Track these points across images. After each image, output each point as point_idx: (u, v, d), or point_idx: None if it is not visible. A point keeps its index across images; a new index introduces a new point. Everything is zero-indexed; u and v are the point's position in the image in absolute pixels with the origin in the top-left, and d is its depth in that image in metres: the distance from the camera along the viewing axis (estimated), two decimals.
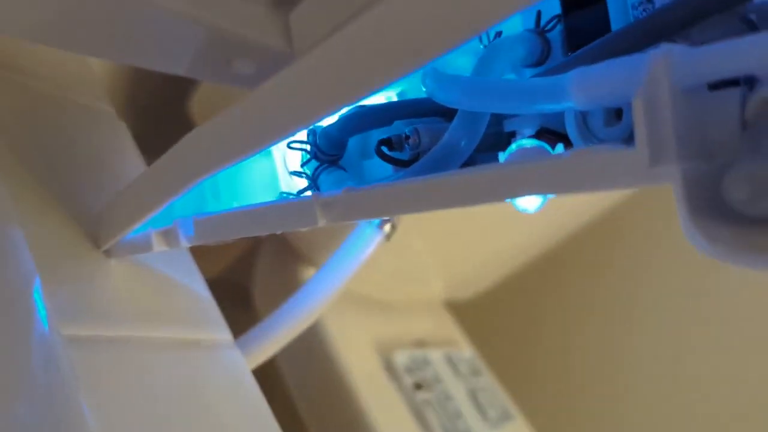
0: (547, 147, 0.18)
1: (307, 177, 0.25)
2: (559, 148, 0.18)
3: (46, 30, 0.26)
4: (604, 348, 0.92)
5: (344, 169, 0.25)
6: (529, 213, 0.18)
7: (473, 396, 0.70)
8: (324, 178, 0.25)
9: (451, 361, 0.71)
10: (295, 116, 0.19)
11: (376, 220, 0.36)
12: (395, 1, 0.16)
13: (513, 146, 0.18)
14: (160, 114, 0.57)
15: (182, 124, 0.54)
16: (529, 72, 0.24)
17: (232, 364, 0.31)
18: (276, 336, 0.37)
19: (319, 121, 0.21)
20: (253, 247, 0.64)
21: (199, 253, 0.64)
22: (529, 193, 0.16)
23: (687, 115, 0.15)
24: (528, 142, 0.18)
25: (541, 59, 0.23)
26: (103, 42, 0.28)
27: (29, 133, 0.30)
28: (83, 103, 0.35)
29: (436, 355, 0.69)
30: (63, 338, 0.20)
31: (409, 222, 0.63)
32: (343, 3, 0.27)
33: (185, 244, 0.25)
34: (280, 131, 0.20)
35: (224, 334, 0.32)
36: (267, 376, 0.56)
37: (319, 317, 0.56)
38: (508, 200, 0.16)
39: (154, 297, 0.29)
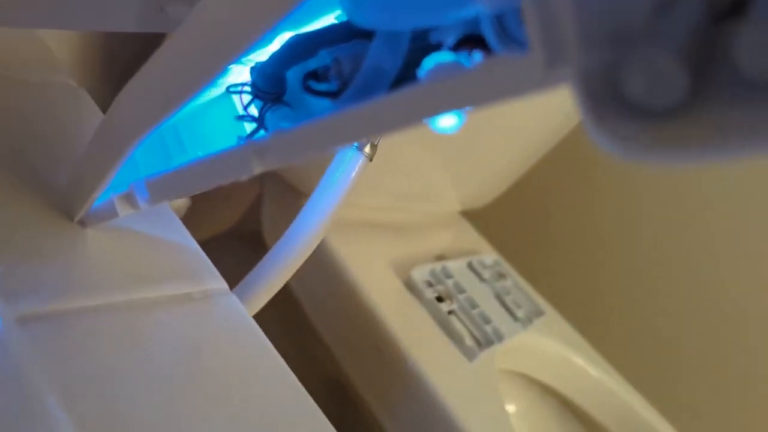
0: (464, 60, 0.17)
1: (254, 119, 0.25)
2: (477, 57, 0.17)
3: None
4: (617, 227, 0.92)
5: (289, 105, 0.25)
6: (447, 133, 0.17)
7: (500, 299, 0.71)
8: (270, 117, 0.25)
9: (473, 269, 0.72)
10: (217, 50, 0.18)
11: (354, 143, 0.36)
12: None
13: (428, 62, 0.17)
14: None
15: None
16: None
17: (229, 310, 0.31)
18: (273, 275, 0.37)
19: (242, 50, 0.20)
20: (259, 194, 0.64)
21: (212, 207, 0.65)
22: (444, 112, 0.15)
23: (587, 4, 0.14)
24: (444, 56, 0.17)
25: None
26: (30, 10, 0.27)
27: None
28: (38, 80, 0.35)
29: (457, 266, 0.69)
30: (23, 320, 0.21)
31: (415, 143, 0.62)
32: None
33: (144, 206, 0.25)
34: (208, 70, 0.19)
35: (216, 282, 0.32)
36: (289, 311, 0.58)
37: (332, 248, 0.57)
38: (425, 121, 0.16)
39: (137, 259, 0.29)
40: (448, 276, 0.66)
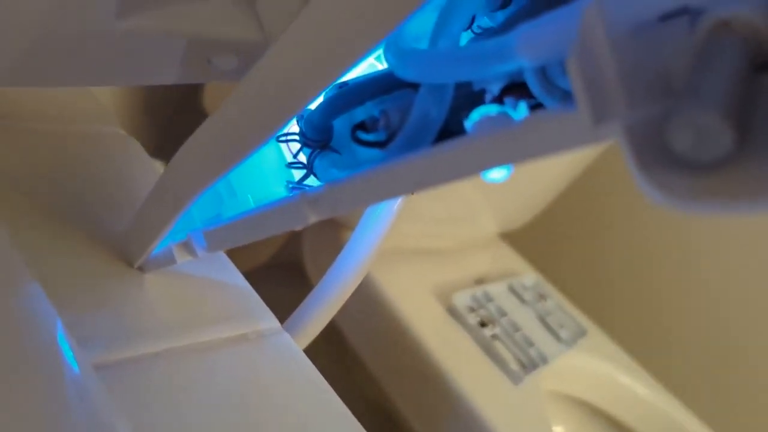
0: (510, 110, 0.18)
1: (303, 166, 0.26)
2: (522, 107, 0.18)
3: (22, 74, 0.27)
4: (659, 242, 0.90)
5: (337, 151, 0.26)
6: (498, 183, 0.17)
7: (543, 320, 0.71)
8: (319, 163, 0.26)
9: (514, 291, 0.72)
10: (279, 107, 0.19)
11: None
12: None
13: (475, 115, 0.18)
14: (173, 116, 0.59)
15: (198, 121, 0.56)
16: (500, 15, 0.23)
17: (283, 349, 0.32)
18: (322, 308, 0.38)
19: (302, 108, 0.21)
20: None
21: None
22: (492, 167, 0.16)
23: (636, 57, 0.14)
24: (490, 109, 0.18)
25: (505, 1, 0.23)
26: (80, 72, 0.29)
27: (43, 175, 0.32)
28: (91, 132, 0.36)
29: (497, 289, 0.69)
30: (95, 369, 0.22)
31: None
32: None
33: (201, 254, 0.26)
34: (269, 127, 0.20)
35: (270, 321, 0.33)
36: (335, 343, 0.59)
37: (374, 278, 0.58)
38: (474, 176, 0.16)
39: (193, 302, 0.30)
40: (490, 300, 0.66)
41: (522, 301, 0.71)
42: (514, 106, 0.18)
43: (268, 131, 0.20)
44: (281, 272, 0.70)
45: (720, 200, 0.13)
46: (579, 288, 0.86)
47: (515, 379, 0.58)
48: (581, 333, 0.75)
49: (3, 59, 0.27)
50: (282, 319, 0.36)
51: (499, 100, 0.19)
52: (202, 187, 0.23)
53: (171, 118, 0.58)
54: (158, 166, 0.44)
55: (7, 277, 0.20)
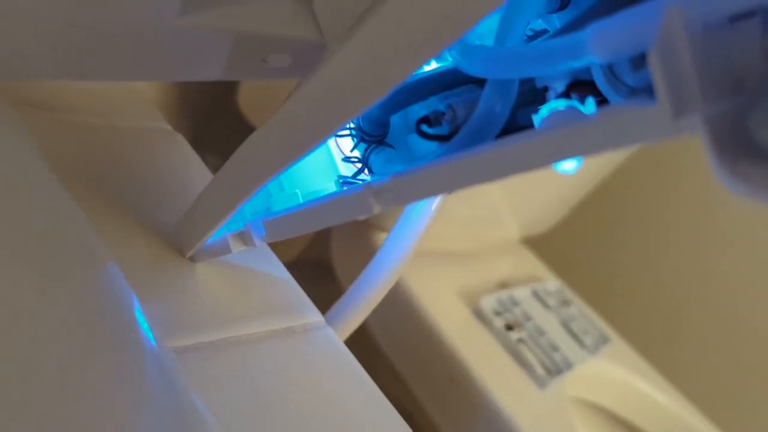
0: (577, 104, 0.19)
1: (359, 160, 0.27)
2: (590, 102, 0.18)
3: (77, 67, 0.28)
4: (681, 249, 0.90)
5: (392, 146, 0.26)
6: (569, 174, 0.18)
7: (566, 326, 0.71)
8: (374, 158, 0.26)
9: (538, 296, 0.72)
10: (347, 106, 0.20)
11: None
12: None
13: (544, 110, 0.19)
14: (210, 111, 0.60)
15: (232, 117, 0.57)
16: (556, 18, 0.24)
17: (327, 343, 0.33)
18: (359, 306, 0.39)
19: (371, 105, 0.21)
20: None
21: None
22: (564, 159, 0.16)
23: (708, 56, 0.15)
24: (559, 104, 0.18)
25: (564, 2, 0.23)
26: (136, 68, 0.30)
27: (97, 166, 0.32)
28: (139, 126, 0.37)
29: (522, 293, 0.70)
30: (171, 352, 0.23)
31: None
32: None
33: (259, 243, 0.26)
34: (335, 123, 0.20)
35: (314, 315, 0.34)
36: (363, 344, 0.59)
37: (401, 279, 0.58)
38: (544, 168, 0.17)
39: (242, 293, 0.31)
40: (515, 304, 0.66)
41: (546, 306, 0.71)
42: (581, 102, 0.19)
43: (335, 127, 0.20)
44: (308, 270, 0.71)
45: None
46: (598, 295, 0.86)
47: (541, 383, 0.58)
48: (604, 340, 0.75)
49: (61, 53, 0.28)
50: None
51: (565, 96, 0.19)
52: (265, 179, 0.23)
53: (206, 112, 0.59)
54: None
55: (90, 256, 0.21)
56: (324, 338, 0.33)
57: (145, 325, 0.21)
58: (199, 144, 0.46)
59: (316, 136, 0.21)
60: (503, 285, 0.71)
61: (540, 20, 0.24)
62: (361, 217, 0.22)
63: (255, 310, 0.31)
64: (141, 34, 0.29)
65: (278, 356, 0.29)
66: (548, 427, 0.56)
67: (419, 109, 0.24)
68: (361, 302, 0.40)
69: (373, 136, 0.26)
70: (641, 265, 0.94)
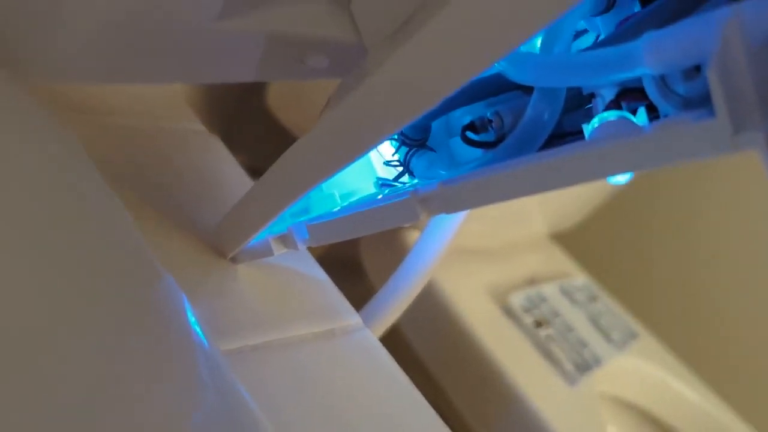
0: (629, 115, 0.19)
1: (400, 164, 0.27)
2: (641, 113, 0.18)
3: (119, 70, 0.29)
4: (710, 245, 0.89)
5: (433, 150, 0.27)
6: (620, 183, 0.18)
7: (594, 322, 0.71)
8: (416, 162, 0.26)
9: (566, 292, 0.72)
10: (396, 116, 0.20)
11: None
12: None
13: (595, 121, 0.19)
14: (239, 109, 0.60)
15: (261, 115, 0.57)
16: (600, 21, 0.24)
17: (366, 344, 0.33)
18: (392, 305, 0.39)
19: (424, 112, 0.21)
20: None
21: None
22: (617, 173, 0.16)
23: (764, 70, 0.15)
24: (610, 115, 0.18)
25: (609, 5, 0.23)
26: (176, 70, 0.30)
27: (138, 168, 0.33)
28: (178, 128, 0.38)
29: (550, 290, 0.69)
30: (223, 354, 0.23)
31: None
32: None
33: (302, 246, 0.27)
34: (384, 131, 0.21)
35: (353, 318, 0.34)
36: (393, 342, 0.60)
37: (431, 278, 0.59)
38: (597, 180, 0.17)
39: (282, 295, 0.32)
40: (543, 300, 0.66)
41: (573, 302, 0.71)
42: (630, 111, 0.19)
43: (387, 133, 0.21)
44: (336, 267, 0.71)
45: None
46: (627, 290, 0.86)
47: (571, 380, 0.58)
48: (632, 336, 0.74)
49: (103, 58, 0.29)
50: None
51: (615, 105, 0.20)
52: (311, 186, 0.24)
53: (234, 110, 0.60)
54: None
55: (146, 268, 0.21)
56: (363, 340, 0.33)
57: (199, 330, 0.22)
58: (228, 143, 0.46)
59: (363, 145, 0.21)
60: (531, 281, 0.71)
61: (582, 21, 0.24)
62: (407, 224, 0.22)
63: (296, 313, 0.31)
64: (182, 36, 0.29)
65: (320, 359, 0.30)
66: (578, 424, 0.56)
67: (461, 115, 0.25)
68: (395, 302, 0.40)
69: (415, 140, 0.26)
70: (670, 259, 0.93)
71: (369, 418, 0.28)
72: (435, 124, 0.26)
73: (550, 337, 0.61)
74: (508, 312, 0.61)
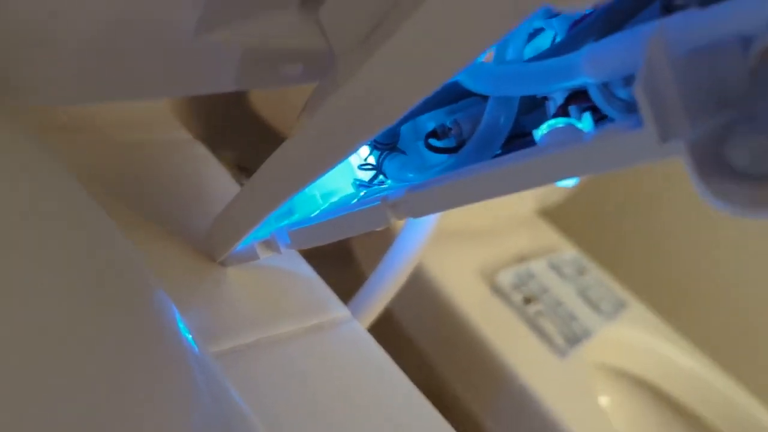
0: (575, 121, 0.20)
1: (373, 167, 0.28)
2: (587, 119, 0.20)
3: (100, 91, 0.30)
4: (692, 213, 0.91)
5: (404, 152, 0.28)
6: (567, 187, 0.19)
7: (583, 294, 0.73)
8: (388, 165, 0.28)
9: (554, 267, 0.73)
10: (368, 125, 0.21)
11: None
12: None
13: (544, 127, 0.20)
14: (222, 107, 0.61)
15: (244, 112, 0.58)
16: (555, 22, 0.25)
17: (354, 335, 0.35)
18: (381, 293, 0.41)
19: (398, 118, 0.22)
20: None
21: None
22: (563, 179, 0.18)
23: (693, 78, 0.16)
24: (558, 122, 0.20)
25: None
26: (156, 86, 0.31)
27: (123, 182, 0.34)
28: (159, 138, 0.39)
29: (539, 266, 0.71)
30: (212, 356, 0.25)
31: None
32: None
33: (284, 250, 0.28)
34: (364, 136, 0.22)
35: (340, 310, 0.36)
36: (386, 325, 0.61)
37: (420, 262, 0.60)
38: (544, 186, 0.18)
39: (271, 294, 0.33)
40: (532, 276, 0.68)
41: (562, 276, 0.73)
42: (579, 116, 0.20)
43: (362, 140, 0.22)
44: (328, 252, 0.73)
45: None
46: (616, 261, 0.87)
47: (561, 353, 0.60)
48: (622, 305, 0.76)
49: (86, 81, 0.30)
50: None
51: (563, 108, 0.21)
52: (294, 191, 0.25)
53: (217, 109, 0.61)
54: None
55: (139, 280, 0.23)
56: (351, 331, 0.35)
57: (190, 338, 0.23)
58: (213, 141, 0.47)
59: (340, 153, 0.23)
60: (521, 258, 0.73)
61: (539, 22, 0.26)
62: (379, 228, 0.24)
63: (284, 310, 0.33)
64: (160, 55, 0.30)
65: (309, 353, 0.31)
66: (570, 395, 0.58)
67: (426, 120, 0.26)
68: (382, 291, 0.42)
69: (386, 144, 0.27)
70: (658, 227, 0.95)
71: (359, 409, 0.29)
72: (404, 129, 0.28)
73: (539, 312, 0.63)
74: (497, 290, 0.63)
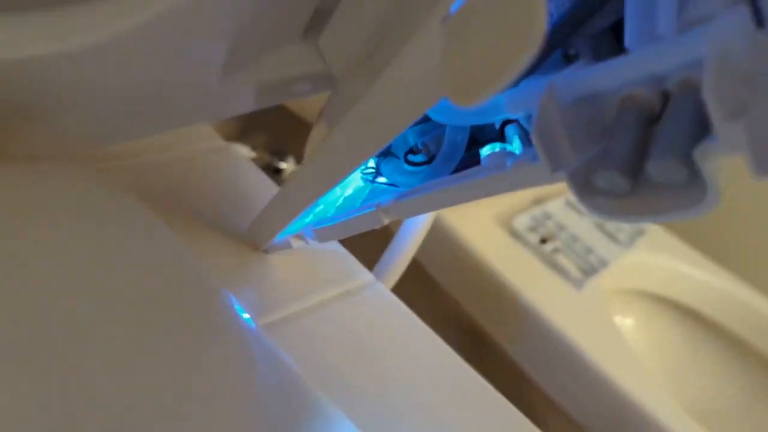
0: (509, 146, 0.26)
1: (374, 169, 0.35)
2: (516, 142, 0.26)
3: (143, 128, 0.37)
4: None
5: (396, 156, 0.35)
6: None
7: (600, 227, 0.78)
8: (384, 167, 0.35)
9: (571, 204, 0.79)
10: (374, 141, 0.28)
11: None
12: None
13: (486, 149, 0.26)
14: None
15: (274, 108, 0.65)
16: None
17: (379, 296, 0.43)
18: (401, 255, 0.48)
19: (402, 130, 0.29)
20: None
21: None
22: (493, 195, 0.25)
23: (577, 118, 0.22)
24: (495, 146, 0.26)
25: None
26: (189, 118, 0.39)
27: (180, 194, 0.42)
28: (198, 150, 0.47)
29: (555, 205, 0.77)
30: (264, 329, 0.33)
31: None
32: (353, 28, 0.34)
33: (311, 242, 0.36)
34: (371, 151, 0.29)
35: (365, 276, 0.43)
36: (416, 276, 0.69)
37: (440, 216, 0.67)
38: (482, 199, 0.25)
39: (306, 271, 0.41)
40: (548, 217, 0.74)
41: (579, 212, 0.79)
42: (512, 139, 0.27)
43: (371, 153, 0.29)
44: None
45: (627, 215, 0.21)
46: None
47: (578, 284, 0.67)
48: (640, 233, 0.82)
49: (126, 125, 0.37)
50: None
51: (501, 129, 0.27)
52: (319, 196, 0.32)
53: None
54: (245, 150, 0.54)
55: (204, 284, 0.31)
56: (376, 293, 0.43)
57: (247, 317, 0.31)
58: (247, 128, 0.55)
59: (358, 160, 0.30)
60: (538, 201, 0.79)
61: None
62: (377, 227, 0.31)
63: (318, 283, 0.41)
64: (193, 98, 0.37)
65: (341, 315, 0.39)
66: (587, 323, 0.65)
67: (409, 133, 0.32)
68: (404, 250, 0.49)
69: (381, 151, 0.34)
70: None
71: (389, 356, 0.38)
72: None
73: (555, 249, 0.70)
74: (515, 234, 0.70)
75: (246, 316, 0.32)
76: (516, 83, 0.26)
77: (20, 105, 0.31)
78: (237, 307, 0.32)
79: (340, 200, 0.38)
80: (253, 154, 0.60)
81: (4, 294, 0.24)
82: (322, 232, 0.35)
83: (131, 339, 0.26)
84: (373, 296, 0.42)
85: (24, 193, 0.31)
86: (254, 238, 0.41)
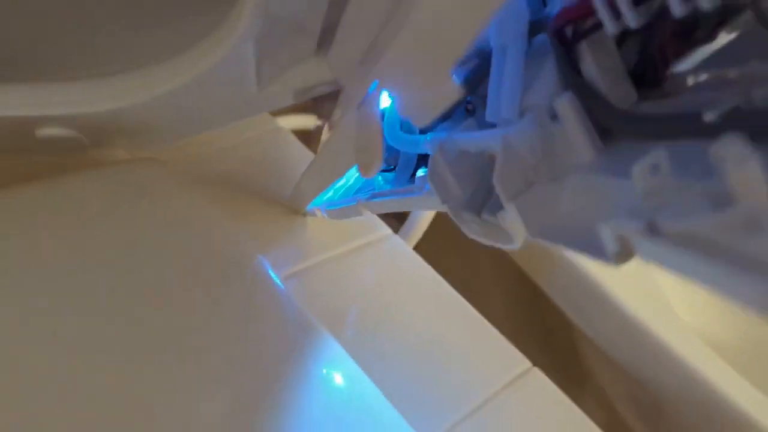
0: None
1: None
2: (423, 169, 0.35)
3: (194, 130, 0.49)
4: None
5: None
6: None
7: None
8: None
9: None
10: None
11: None
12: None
13: (420, 171, 0.35)
14: None
15: None
16: None
17: (396, 248, 0.53)
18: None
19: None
20: None
21: None
22: (415, 209, 0.34)
23: (460, 170, 0.31)
24: (423, 170, 0.35)
25: None
26: (231, 119, 0.50)
27: (234, 172, 0.54)
28: (256, 134, 0.58)
29: None
30: (293, 276, 0.45)
31: None
32: (353, 45, 0.43)
33: (325, 216, 0.47)
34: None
35: (384, 230, 0.54)
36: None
37: None
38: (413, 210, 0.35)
39: (333, 229, 0.52)
40: None
41: None
42: None
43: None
44: None
45: (486, 236, 0.30)
46: None
47: None
48: None
49: (186, 130, 0.49)
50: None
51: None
52: (338, 176, 0.43)
53: None
54: (311, 120, 0.65)
55: (242, 257, 0.43)
56: (393, 245, 0.54)
57: (277, 280, 0.43)
58: (317, 101, 0.65)
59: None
60: None
61: None
62: (358, 217, 0.41)
63: (342, 237, 0.52)
64: (236, 106, 0.48)
65: (360, 265, 0.51)
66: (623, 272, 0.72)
67: None
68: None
69: None
70: None
71: (403, 302, 0.49)
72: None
73: None
74: None
75: (277, 279, 0.44)
76: (433, 126, 0.34)
77: (125, 129, 0.44)
78: (271, 272, 0.44)
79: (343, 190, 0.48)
80: (318, 122, 0.70)
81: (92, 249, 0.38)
82: (330, 212, 0.45)
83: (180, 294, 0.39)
84: (391, 248, 0.53)
85: (105, 186, 0.44)
86: (294, 204, 0.52)
